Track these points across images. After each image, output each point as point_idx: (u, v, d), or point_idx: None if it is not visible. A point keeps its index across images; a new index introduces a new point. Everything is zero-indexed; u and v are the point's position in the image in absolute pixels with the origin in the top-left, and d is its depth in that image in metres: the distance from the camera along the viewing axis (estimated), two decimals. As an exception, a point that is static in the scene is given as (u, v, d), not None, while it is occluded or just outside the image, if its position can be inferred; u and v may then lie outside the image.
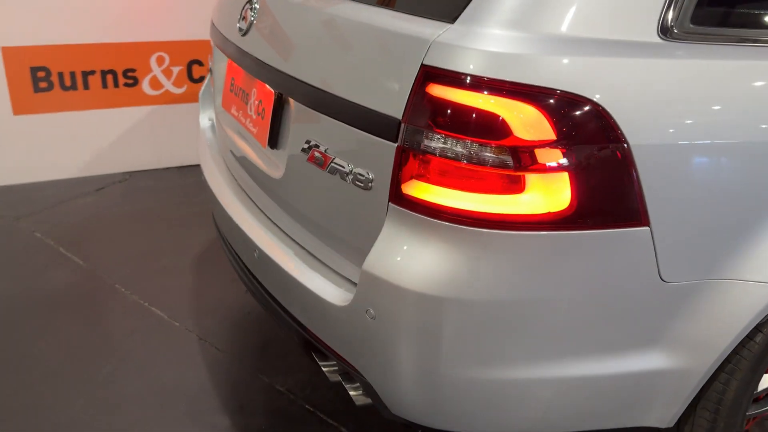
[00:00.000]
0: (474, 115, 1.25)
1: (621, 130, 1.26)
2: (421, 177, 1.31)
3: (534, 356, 1.42)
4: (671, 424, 1.62)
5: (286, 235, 1.75)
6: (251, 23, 1.78)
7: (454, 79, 1.26)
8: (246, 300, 2.74)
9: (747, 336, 1.49)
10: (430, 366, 1.42)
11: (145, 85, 3.83)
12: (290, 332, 1.79)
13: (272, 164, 1.77)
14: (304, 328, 1.70)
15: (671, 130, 1.30)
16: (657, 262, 1.39)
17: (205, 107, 2.58)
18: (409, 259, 1.34)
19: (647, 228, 1.34)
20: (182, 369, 2.33)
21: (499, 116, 1.24)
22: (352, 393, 1.68)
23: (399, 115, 1.31)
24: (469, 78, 1.25)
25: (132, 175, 3.95)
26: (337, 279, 1.57)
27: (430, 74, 1.27)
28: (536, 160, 1.25)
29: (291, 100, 1.69)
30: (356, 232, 1.48)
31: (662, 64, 1.30)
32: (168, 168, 4.07)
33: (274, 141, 1.76)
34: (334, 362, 1.68)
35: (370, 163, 1.39)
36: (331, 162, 1.48)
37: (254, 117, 1.85)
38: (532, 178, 1.26)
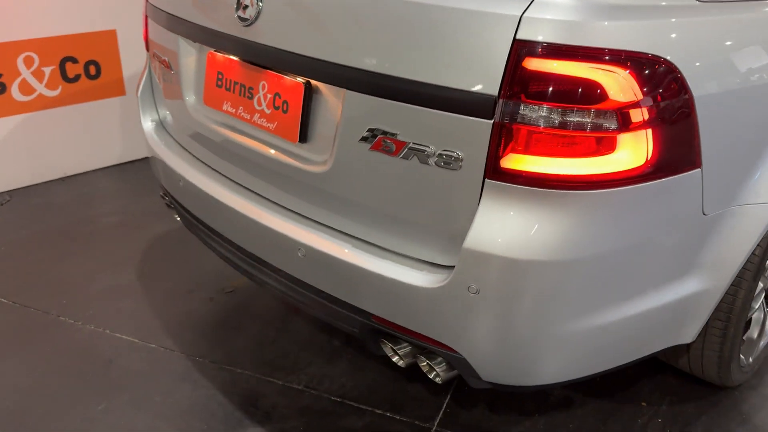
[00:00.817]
0: (571, 83, 1.32)
1: (687, 84, 1.41)
2: (519, 149, 1.36)
3: (618, 300, 1.55)
4: (694, 339, 1.84)
5: (333, 229, 1.70)
6: (259, 11, 1.66)
7: (550, 51, 1.31)
8: (215, 305, 2.60)
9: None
10: (535, 328, 1.50)
11: (15, 91, 3.37)
12: (348, 325, 1.76)
13: (307, 159, 1.70)
14: (368, 317, 1.68)
15: (721, 78, 1.47)
16: (702, 198, 1.57)
17: (148, 107, 2.36)
18: (514, 230, 1.39)
19: (699, 170, 1.51)
20: (183, 390, 2.17)
21: (594, 82, 1.32)
22: (428, 371, 1.71)
23: (494, 91, 1.34)
24: (563, 48, 1.31)
25: (13, 195, 3.49)
26: (414, 263, 1.57)
27: (524, 48, 1.31)
28: (629, 120, 1.35)
29: (324, 89, 1.62)
30: (439, 214, 1.49)
31: (707, 22, 1.46)
32: (50, 181, 3.65)
33: (305, 134, 1.69)
34: (407, 345, 1.69)
35: (459, 143, 1.40)
36: (406, 148, 1.46)
37: (268, 112, 1.75)
38: (624, 138, 1.36)
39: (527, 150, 1.35)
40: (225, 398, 2.15)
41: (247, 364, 2.30)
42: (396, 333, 1.66)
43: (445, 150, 1.42)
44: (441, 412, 2.11)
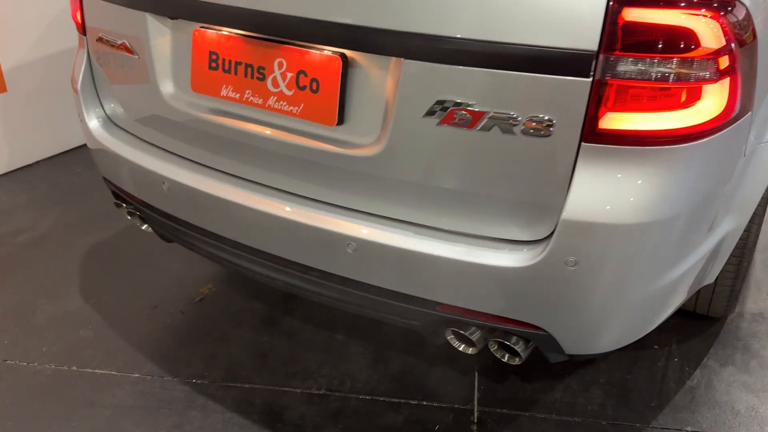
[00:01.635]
0: (669, 33, 1.25)
1: (756, 28, 1.38)
2: (619, 107, 1.27)
3: (686, 254, 1.53)
4: (714, 278, 1.89)
5: (387, 218, 1.53)
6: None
7: (647, 0, 1.23)
8: (188, 318, 2.32)
9: None
10: (630, 294, 1.45)
11: None
12: (407, 319, 1.61)
13: (347, 143, 1.50)
14: (434, 307, 1.55)
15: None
16: (746, 140, 1.58)
17: (91, 102, 2.00)
18: (615, 194, 1.32)
19: (750, 113, 1.52)
20: (193, 419, 1.92)
21: (691, 30, 1.26)
22: (499, 353, 1.61)
23: (593, 47, 1.24)
24: (661, -3, 1.23)
25: None
26: (491, 243, 1.45)
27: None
28: (719, 68, 1.30)
29: (365, 61, 1.44)
30: (524, 187, 1.38)
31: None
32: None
33: (342, 115, 1.49)
34: (477, 330, 1.58)
35: (550, 106, 1.29)
36: (486, 118, 1.32)
37: (289, 93, 1.53)
38: (712, 87, 1.31)
39: (627, 107, 1.27)
40: (244, 419, 1.92)
41: (254, 377, 2.07)
42: (467, 319, 1.54)
43: (533, 116, 1.30)
44: (476, 392, 2.03)
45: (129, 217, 2.15)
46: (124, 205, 2.10)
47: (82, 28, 1.95)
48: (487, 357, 2.15)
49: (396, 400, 2.00)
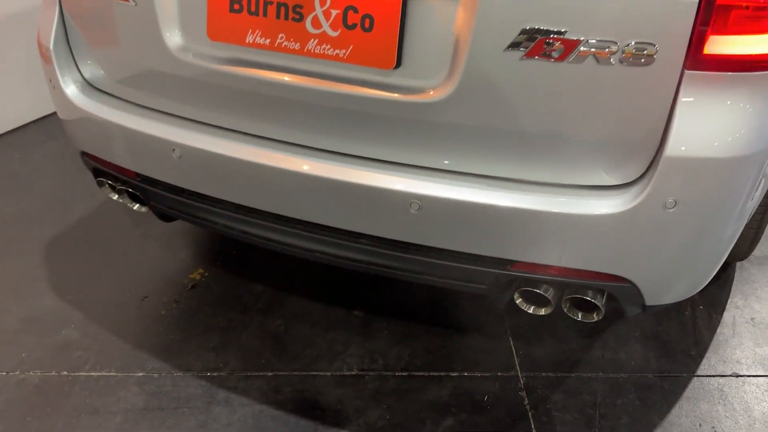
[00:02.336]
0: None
1: None
2: (727, 30, 1.17)
3: (762, 183, 1.45)
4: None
5: (454, 172, 1.37)
6: None
7: None
8: (184, 307, 2.08)
9: None
10: (725, 234, 1.36)
11: None
12: (474, 282, 1.47)
13: (407, 88, 1.33)
14: (506, 266, 1.42)
15: None
16: None
17: (66, 64, 1.73)
18: (723, 125, 1.22)
19: None
20: (220, 416, 1.71)
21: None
22: (574, 313, 1.50)
23: (701, -38, 1.12)
24: None
25: None
26: (576, 191, 1.33)
27: None
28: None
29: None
30: (617, 124, 1.26)
31: None
32: None
33: (401, 57, 1.31)
34: (550, 288, 1.46)
35: (653, 31, 1.16)
36: (580, 47, 1.19)
37: (334, 34, 1.33)
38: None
39: (737, 29, 1.16)
40: (277, 410, 1.73)
41: (275, 364, 1.87)
42: (542, 276, 1.42)
43: (634, 43, 1.17)
44: (515, 357, 1.92)
45: (116, 197, 1.89)
46: (110, 182, 1.84)
47: (51, -24, 1.67)
48: (518, 321, 2.04)
49: (435, 374, 1.86)
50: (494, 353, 1.93)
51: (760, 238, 2.11)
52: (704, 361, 1.93)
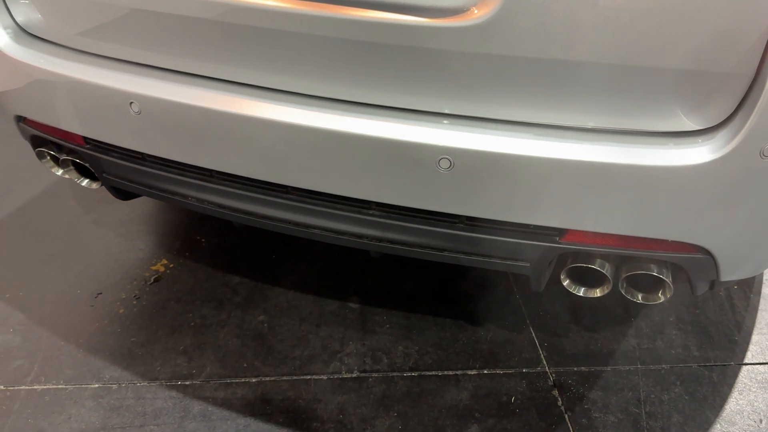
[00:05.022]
0: None
1: None
2: None
3: None
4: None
5: (494, 120, 1.09)
6: None
7: None
8: (146, 303, 1.76)
9: None
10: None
11: None
12: (514, 259, 1.20)
13: (434, 10, 1.04)
14: (555, 239, 1.15)
15: None
16: None
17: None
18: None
19: None
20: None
21: None
22: (633, 294, 1.24)
23: None
24: None
25: None
26: (647, 139, 1.06)
27: None
28: None
29: None
30: (701, 48, 0.99)
31: None
32: None
33: (427, -32, 1.03)
34: (607, 263, 1.20)
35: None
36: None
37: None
38: None
39: None
40: (265, 423, 1.43)
41: (260, 367, 1.57)
42: (601, 249, 1.15)
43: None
44: (540, 351, 1.66)
45: (60, 172, 1.56)
46: (53, 153, 1.51)
47: None
48: (538, 307, 1.78)
49: (451, 373, 1.58)
50: (515, 346, 1.67)
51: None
52: (751, 347, 1.70)
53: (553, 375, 1.58)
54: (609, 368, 1.61)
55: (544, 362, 1.62)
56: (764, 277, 1.96)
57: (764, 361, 1.65)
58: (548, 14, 0.98)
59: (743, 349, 1.70)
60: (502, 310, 1.78)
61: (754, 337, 1.73)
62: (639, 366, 1.62)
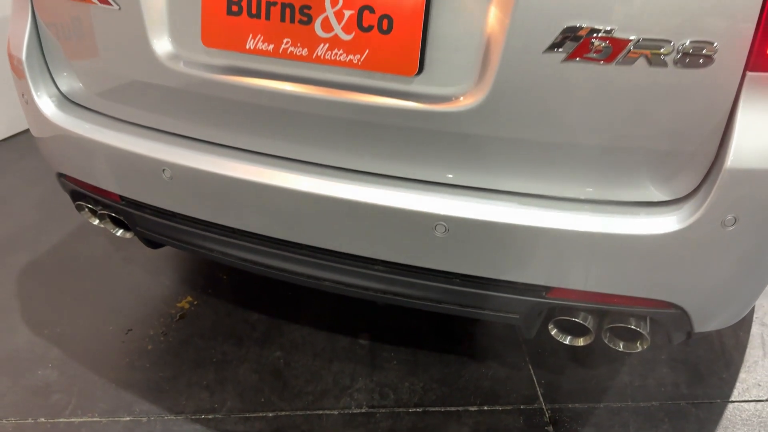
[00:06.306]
0: None
1: None
2: (795, 25, 1.04)
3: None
4: None
5: (484, 189, 1.23)
6: None
7: None
8: (172, 339, 1.90)
9: None
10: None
11: None
12: (504, 312, 1.32)
13: (430, 97, 1.18)
14: (542, 294, 1.27)
15: None
16: None
17: (40, 77, 1.55)
18: (788, 131, 1.09)
19: None
20: (216, 464, 1.53)
21: None
22: (615, 343, 1.36)
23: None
24: None
25: None
26: (621, 209, 1.19)
27: None
28: None
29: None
30: (668, 132, 1.12)
31: None
32: None
33: (423, 61, 1.17)
34: (589, 316, 1.32)
35: (712, 28, 1.03)
36: (631, 46, 1.05)
37: (347, 38, 1.18)
38: None
39: (804, 23, 1.03)
40: (285, 455, 1.56)
41: (277, 402, 1.70)
42: (581, 304, 1.28)
43: (690, 41, 1.04)
44: (538, 388, 1.77)
45: (96, 222, 1.72)
46: (91, 206, 1.67)
47: (21, -20, 1.50)
48: (537, 346, 1.90)
49: (453, 409, 1.70)
50: (514, 383, 1.78)
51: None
52: (738, 384, 1.81)
53: (549, 411, 1.70)
54: (602, 405, 1.72)
55: (541, 399, 1.74)
56: (754, 316, 2.07)
57: (749, 399, 1.75)
58: (527, 105, 1.12)
59: (730, 386, 1.80)
60: (503, 347, 1.90)
61: (741, 375, 1.83)
62: (630, 403, 1.73)
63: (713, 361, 1.88)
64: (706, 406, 1.73)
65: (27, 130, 3.22)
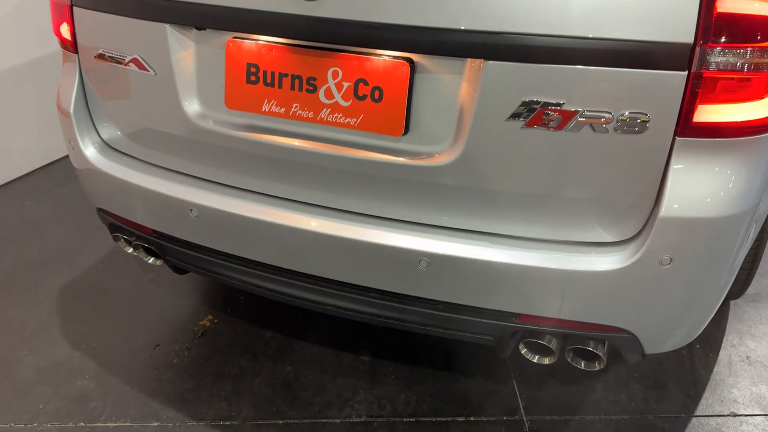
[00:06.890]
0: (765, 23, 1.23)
1: None
2: (715, 99, 1.25)
3: (751, 237, 1.53)
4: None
5: (460, 230, 1.45)
6: (333, -20, 1.32)
7: (741, -10, 1.21)
8: (195, 354, 2.13)
9: None
10: (718, 287, 1.44)
11: None
12: (480, 333, 1.54)
13: (414, 153, 1.41)
14: (511, 319, 1.49)
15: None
16: None
17: (85, 127, 1.80)
18: (712, 187, 1.30)
19: None
20: (233, 465, 1.76)
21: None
22: (577, 362, 1.57)
23: (689, 39, 1.21)
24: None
25: None
26: (575, 248, 1.40)
27: (716, -10, 1.20)
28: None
29: (435, 65, 1.35)
30: (613, 187, 1.33)
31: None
32: None
33: (408, 124, 1.40)
34: (553, 339, 1.53)
35: (645, 101, 1.25)
36: (577, 118, 1.27)
37: (346, 104, 1.42)
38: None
39: (723, 99, 1.25)
40: (291, 459, 1.78)
41: (286, 411, 1.92)
42: (546, 328, 1.49)
43: (628, 113, 1.26)
44: (520, 400, 1.98)
45: (131, 251, 1.96)
46: (126, 237, 1.91)
47: (73, 45, 1.75)
48: (522, 364, 2.11)
49: (443, 419, 1.91)
50: (499, 396, 1.99)
51: (752, 279, 2.19)
52: (702, 401, 1.99)
53: (529, 423, 1.90)
54: (577, 417, 1.92)
55: (522, 411, 1.94)
56: (725, 338, 2.25)
57: (712, 414, 1.94)
58: (494, 161, 1.34)
59: (696, 402, 1.99)
60: (491, 364, 2.11)
61: (707, 392, 2.02)
62: (603, 416, 1.93)
63: (682, 379, 2.07)
64: (672, 420, 1.92)
65: (63, 158, 3.49)
